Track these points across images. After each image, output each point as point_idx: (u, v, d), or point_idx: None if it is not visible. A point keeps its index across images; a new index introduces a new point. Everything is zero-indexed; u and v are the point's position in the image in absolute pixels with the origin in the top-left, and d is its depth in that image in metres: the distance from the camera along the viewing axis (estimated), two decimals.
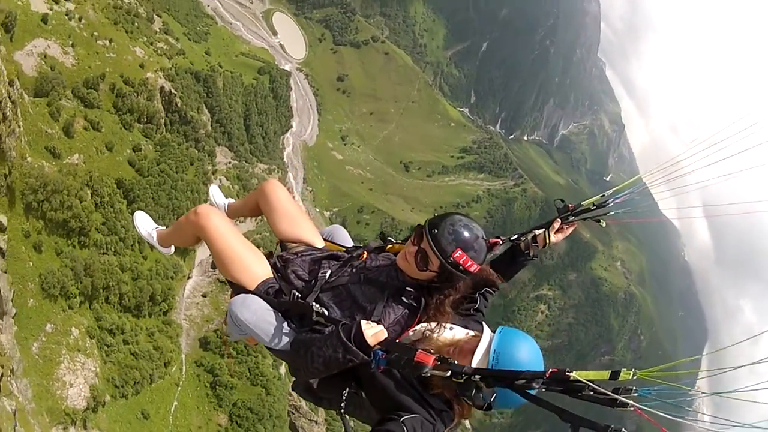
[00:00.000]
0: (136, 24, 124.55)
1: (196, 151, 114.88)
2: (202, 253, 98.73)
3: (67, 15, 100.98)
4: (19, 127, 68.43)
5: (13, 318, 55.45)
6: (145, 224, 7.22)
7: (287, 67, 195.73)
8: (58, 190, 71.77)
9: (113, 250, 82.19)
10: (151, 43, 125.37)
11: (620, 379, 3.52)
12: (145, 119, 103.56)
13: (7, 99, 62.12)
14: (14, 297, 56.78)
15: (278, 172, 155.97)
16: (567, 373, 3.60)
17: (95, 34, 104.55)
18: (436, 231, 4.56)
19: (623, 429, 3.33)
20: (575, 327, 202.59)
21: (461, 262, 4.52)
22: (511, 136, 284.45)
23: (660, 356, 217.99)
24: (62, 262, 71.81)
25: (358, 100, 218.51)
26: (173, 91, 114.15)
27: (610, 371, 3.56)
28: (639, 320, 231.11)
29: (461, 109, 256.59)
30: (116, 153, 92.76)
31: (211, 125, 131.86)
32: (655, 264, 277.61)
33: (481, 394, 4.04)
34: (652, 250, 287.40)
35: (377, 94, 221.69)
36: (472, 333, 4.72)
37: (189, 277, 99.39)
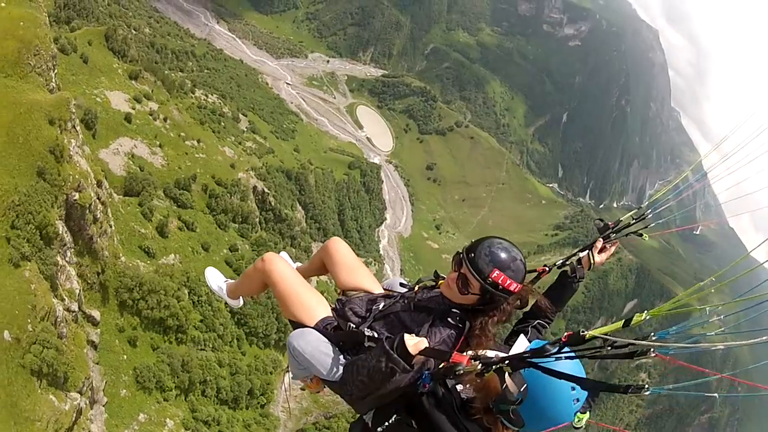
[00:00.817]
0: (222, 124, 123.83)
1: (293, 249, 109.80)
2: None
3: (151, 115, 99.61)
4: (111, 227, 67.23)
5: (104, 406, 57.96)
6: (215, 279, 7.33)
7: (376, 160, 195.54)
8: (155, 290, 71.31)
9: (211, 346, 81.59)
10: (240, 143, 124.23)
11: (633, 323, 3.50)
12: (240, 219, 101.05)
13: (97, 201, 61.88)
14: (106, 387, 59.81)
15: (375, 264, 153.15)
16: (582, 333, 3.62)
17: (182, 134, 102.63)
18: (473, 255, 4.74)
19: (646, 384, 3.44)
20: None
21: (500, 281, 4.65)
22: (601, 206, 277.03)
23: (755, 402, 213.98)
24: (158, 357, 72.40)
25: (449, 188, 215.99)
26: (266, 190, 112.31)
27: (623, 320, 3.53)
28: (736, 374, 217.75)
29: (550, 185, 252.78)
30: (212, 253, 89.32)
31: (306, 222, 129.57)
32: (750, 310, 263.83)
33: (513, 392, 4.10)
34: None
35: (467, 180, 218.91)
36: None
37: (287, 371, 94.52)
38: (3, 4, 64.40)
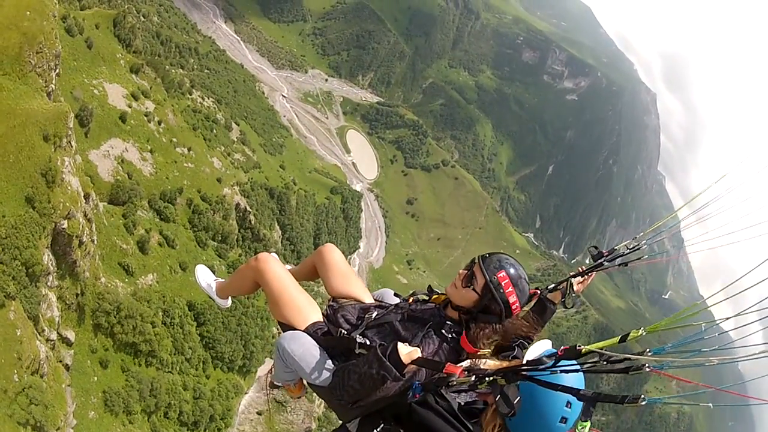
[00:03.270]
0: (214, 131, 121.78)
1: None
2: (263, 369, 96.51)
3: (146, 116, 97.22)
4: (94, 242, 65.00)
5: (72, 429, 56.69)
6: (205, 276, 7.14)
7: (358, 187, 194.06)
8: (132, 315, 69.89)
9: (178, 369, 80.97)
10: (229, 154, 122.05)
11: (629, 339, 3.59)
12: (220, 238, 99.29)
13: (84, 224, 60.05)
14: (76, 409, 58.29)
15: None
16: (578, 348, 3.67)
17: (174, 140, 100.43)
18: (487, 256, 4.88)
19: (642, 395, 3.38)
20: None
21: (503, 284, 4.73)
22: (574, 260, 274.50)
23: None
24: (127, 381, 71.60)
25: (426, 225, 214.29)
26: (248, 208, 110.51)
27: (619, 336, 3.63)
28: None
29: (526, 235, 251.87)
30: (189, 273, 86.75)
31: (282, 243, 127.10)
32: (710, 379, 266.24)
33: (509, 399, 4.11)
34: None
35: (445, 219, 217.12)
36: None
37: (246, 393, 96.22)
38: None
